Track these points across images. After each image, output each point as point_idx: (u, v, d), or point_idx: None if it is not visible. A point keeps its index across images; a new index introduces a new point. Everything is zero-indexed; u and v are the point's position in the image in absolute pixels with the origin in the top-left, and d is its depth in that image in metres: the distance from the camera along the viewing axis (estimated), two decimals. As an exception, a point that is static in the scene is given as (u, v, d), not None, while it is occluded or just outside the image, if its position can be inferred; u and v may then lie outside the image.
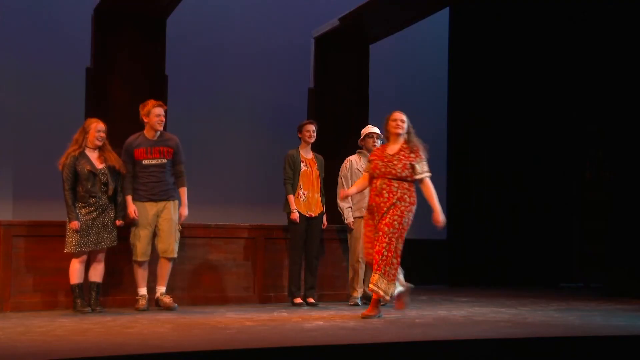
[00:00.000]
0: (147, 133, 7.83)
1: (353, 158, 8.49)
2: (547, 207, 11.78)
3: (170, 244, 7.76)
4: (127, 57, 9.33)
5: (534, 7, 11.73)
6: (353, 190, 7.41)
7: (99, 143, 7.52)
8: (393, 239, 6.91)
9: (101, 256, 7.55)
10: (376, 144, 8.29)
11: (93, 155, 7.51)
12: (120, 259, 7.95)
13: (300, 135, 8.46)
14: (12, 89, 10.06)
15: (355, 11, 10.28)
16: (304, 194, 8.36)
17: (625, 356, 5.98)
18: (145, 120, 7.81)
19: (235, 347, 5.52)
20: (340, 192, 8.12)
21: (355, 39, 10.75)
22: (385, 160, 7.06)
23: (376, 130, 8.38)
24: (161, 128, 7.79)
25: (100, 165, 7.48)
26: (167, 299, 7.78)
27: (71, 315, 7.23)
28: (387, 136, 7.22)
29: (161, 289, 7.84)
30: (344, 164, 8.52)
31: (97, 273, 7.55)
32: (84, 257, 7.45)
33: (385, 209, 6.96)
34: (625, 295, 9.40)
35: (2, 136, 9.99)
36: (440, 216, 6.99)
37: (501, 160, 11.80)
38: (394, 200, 6.95)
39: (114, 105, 9.22)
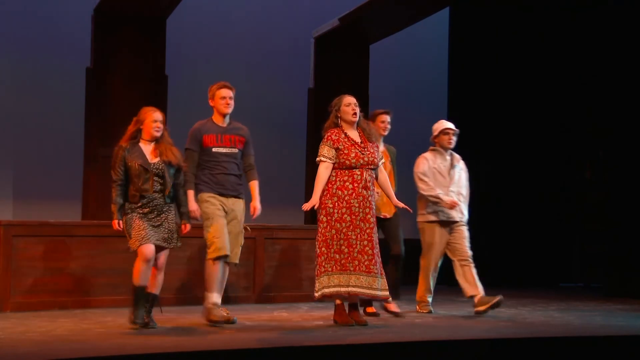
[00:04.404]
0: (216, 119, 6.93)
1: (428, 156, 7.70)
2: (547, 207, 11.78)
3: (235, 248, 6.75)
4: (127, 57, 9.33)
5: (534, 7, 11.72)
6: (320, 189, 6.59)
7: (157, 134, 6.50)
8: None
9: (161, 264, 6.47)
10: (452, 140, 7.69)
11: (147, 149, 6.50)
12: (121, 259, 7.95)
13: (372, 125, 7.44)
14: (12, 89, 10.06)
15: (355, 11, 10.29)
16: (376, 193, 7.13)
17: (625, 356, 5.99)
18: (212, 104, 6.95)
19: (235, 347, 5.52)
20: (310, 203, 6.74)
21: (355, 39, 10.75)
22: (360, 148, 6.65)
23: (451, 125, 7.73)
24: (229, 111, 6.89)
25: (154, 159, 6.47)
26: (225, 312, 6.69)
27: (71, 315, 7.22)
28: (336, 122, 6.72)
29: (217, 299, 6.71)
30: (419, 161, 7.69)
31: (155, 283, 6.46)
32: (151, 254, 6.30)
33: (372, 203, 6.63)
34: (625, 295, 9.40)
35: (2, 136, 9.99)
36: (399, 202, 6.89)
37: (501, 160, 11.79)
38: (374, 194, 6.69)
39: (114, 105, 9.23)
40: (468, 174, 7.93)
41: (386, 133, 7.51)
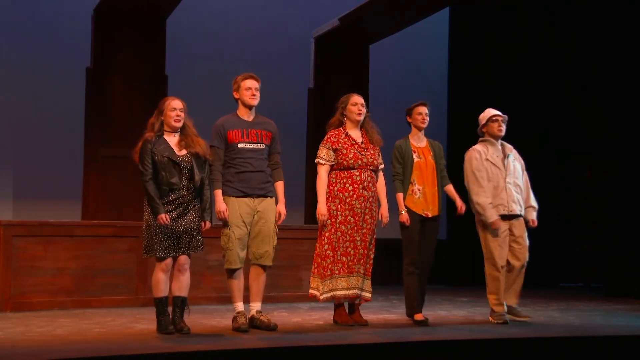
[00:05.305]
0: (241, 113, 6.52)
1: (479, 148, 7.23)
2: (546, 207, 11.74)
3: (268, 250, 6.40)
4: (127, 57, 9.34)
5: (534, 7, 11.72)
6: (324, 193, 6.62)
7: (178, 124, 6.11)
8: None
9: (186, 265, 6.14)
10: (502, 128, 7.14)
11: (172, 141, 6.12)
12: (121, 259, 7.95)
13: (410, 120, 7.08)
14: (12, 89, 10.05)
15: (355, 11, 10.29)
16: (418, 190, 6.88)
17: (625, 356, 5.99)
18: (236, 96, 6.53)
19: (235, 347, 5.52)
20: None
21: (355, 39, 10.75)
22: (360, 149, 6.67)
23: (499, 112, 7.19)
24: (255, 102, 6.52)
25: (181, 152, 6.10)
26: (265, 318, 6.39)
27: (71, 315, 7.23)
28: (342, 120, 6.73)
29: (257, 305, 6.43)
30: (471, 155, 7.24)
31: (181, 286, 6.15)
32: (169, 264, 6.08)
33: (372, 204, 6.65)
34: (625, 295, 9.41)
35: (2, 136, 9.99)
36: (387, 211, 6.75)
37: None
38: (375, 195, 6.70)
39: (114, 105, 9.23)
40: (523, 162, 7.34)
41: (425, 125, 7.05)
